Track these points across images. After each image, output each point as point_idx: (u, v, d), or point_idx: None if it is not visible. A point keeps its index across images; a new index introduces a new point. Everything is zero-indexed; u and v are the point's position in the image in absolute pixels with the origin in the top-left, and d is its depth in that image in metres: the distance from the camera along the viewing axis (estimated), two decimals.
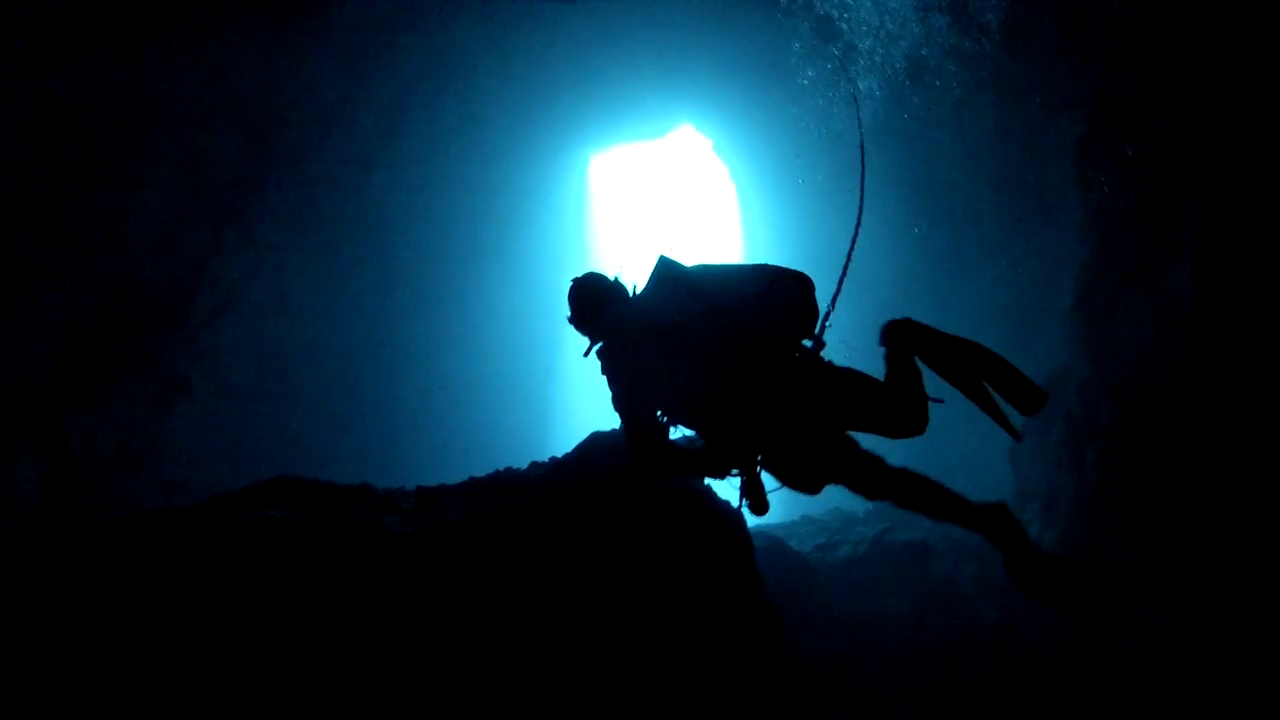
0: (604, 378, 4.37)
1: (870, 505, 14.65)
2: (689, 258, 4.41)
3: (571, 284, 4.52)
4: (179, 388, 13.49)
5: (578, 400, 26.56)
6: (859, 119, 7.04)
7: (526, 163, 21.60)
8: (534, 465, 6.28)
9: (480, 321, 20.87)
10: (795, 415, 4.12)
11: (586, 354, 4.47)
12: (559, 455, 6.42)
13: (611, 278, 4.54)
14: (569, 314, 4.49)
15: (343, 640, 3.76)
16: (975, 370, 4.33)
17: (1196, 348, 8.90)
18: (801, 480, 4.26)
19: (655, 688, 4.26)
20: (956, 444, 17.69)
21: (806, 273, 4.34)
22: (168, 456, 13.30)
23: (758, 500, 4.35)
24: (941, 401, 4.38)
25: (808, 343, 4.40)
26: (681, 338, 4.12)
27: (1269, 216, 7.92)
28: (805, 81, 17.65)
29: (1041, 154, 13.52)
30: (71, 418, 11.60)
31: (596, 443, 5.85)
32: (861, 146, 5.99)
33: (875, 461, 4.21)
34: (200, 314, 14.07)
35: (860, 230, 5.27)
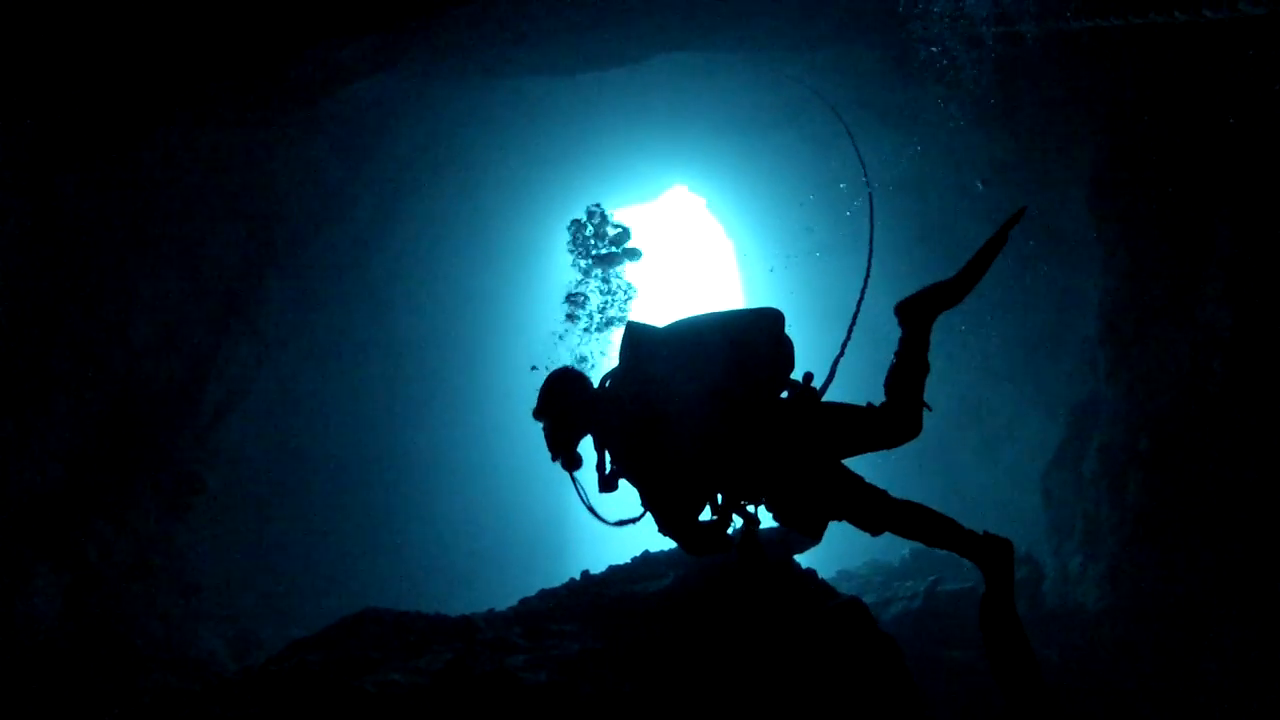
0: (621, 473, 4.26)
1: (906, 554, 14.50)
2: (659, 318, 4.39)
3: (548, 381, 4.46)
4: (193, 488, 13.20)
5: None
6: (863, 167, 6.98)
7: (522, 233, 21.63)
8: (613, 569, 6.09)
9: (489, 397, 20.68)
10: (791, 456, 4.11)
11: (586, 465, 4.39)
12: (646, 553, 6.24)
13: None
14: (548, 419, 4.38)
15: None
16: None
17: (1235, 370, 8.75)
18: (805, 522, 4.21)
19: None
20: (981, 480, 17.48)
21: (778, 309, 4.34)
22: (185, 560, 12.97)
23: (753, 563, 4.36)
24: (930, 409, 4.35)
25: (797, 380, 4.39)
26: (667, 400, 4.08)
27: None
28: (797, 136, 17.73)
29: (1046, 189, 13.49)
30: (86, 526, 11.30)
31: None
32: (870, 197, 6.03)
33: (878, 495, 4.17)
34: (209, 408, 13.85)
35: (869, 279, 5.28)
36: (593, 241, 11.45)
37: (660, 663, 4.18)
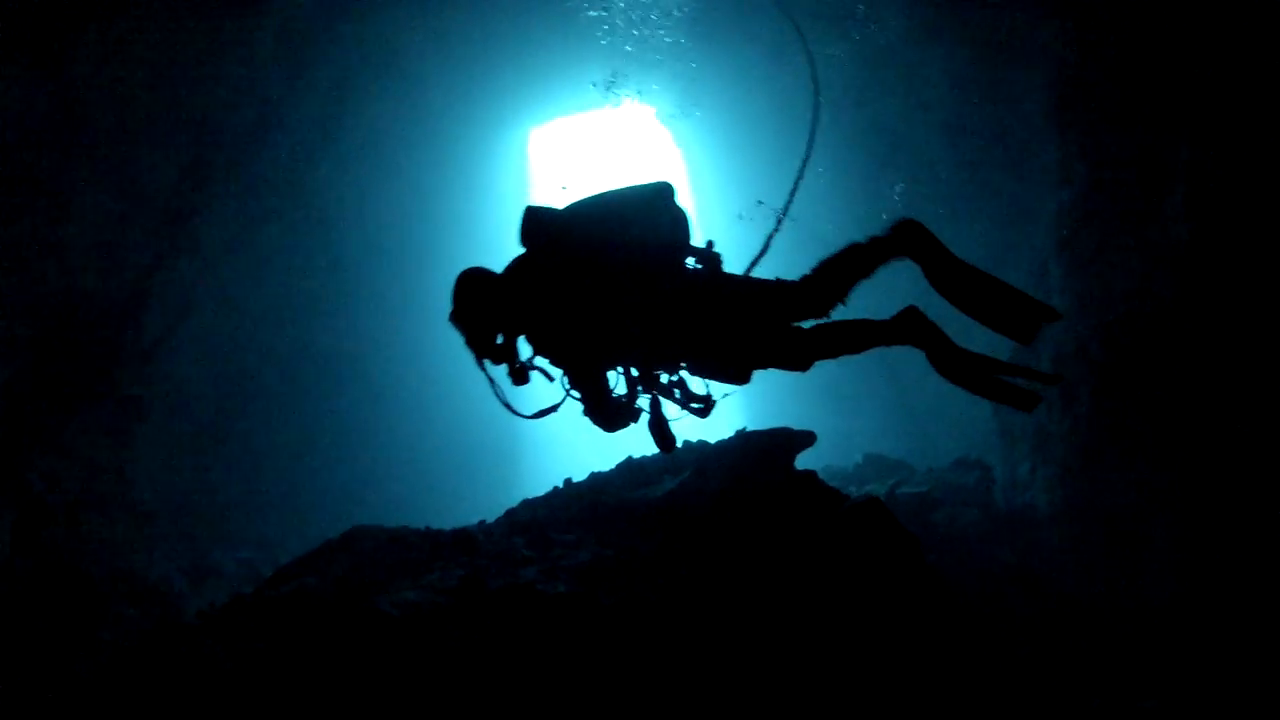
0: (542, 353, 4.29)
1: (859, 459, 14.81)
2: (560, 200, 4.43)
3: (456, 282, 4.30)
4: (137, 413, 12.81)
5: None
6: (811, 66, 6.88)
7: (466, 143, 21.08)
8: (598, 476, 6.04)
9: (433, 311, 20.37)
10: (700, 320, 4.18)
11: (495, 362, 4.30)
12: (629, 459, 6.17)
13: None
14: (464, 319, 4.24)
15: None
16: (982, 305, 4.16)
17: (1188, 286, 8.91)
18: (732, 374, 4.29)
19: None
20: (929, 390, 17.78)
21: (668, 181, 4.39)
22: (135, 486, 12.65)
23: (664, 436, 4.36)
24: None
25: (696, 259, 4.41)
26: (576, 272, 4.15)
27: (1263, 156, 7.90)
28: (752, 46, 17.41)
29: (1002, 100, 13.43)
30: (30, 457, 10.90)
31: (709, 456, 5.49)
32: (815, 86, 5.98)
33: (793, 333, 4.23)
34: (152, 329, 13.39)
35: (805, 175, 5.26)
36: None
37: (678, 570, 4.18)
